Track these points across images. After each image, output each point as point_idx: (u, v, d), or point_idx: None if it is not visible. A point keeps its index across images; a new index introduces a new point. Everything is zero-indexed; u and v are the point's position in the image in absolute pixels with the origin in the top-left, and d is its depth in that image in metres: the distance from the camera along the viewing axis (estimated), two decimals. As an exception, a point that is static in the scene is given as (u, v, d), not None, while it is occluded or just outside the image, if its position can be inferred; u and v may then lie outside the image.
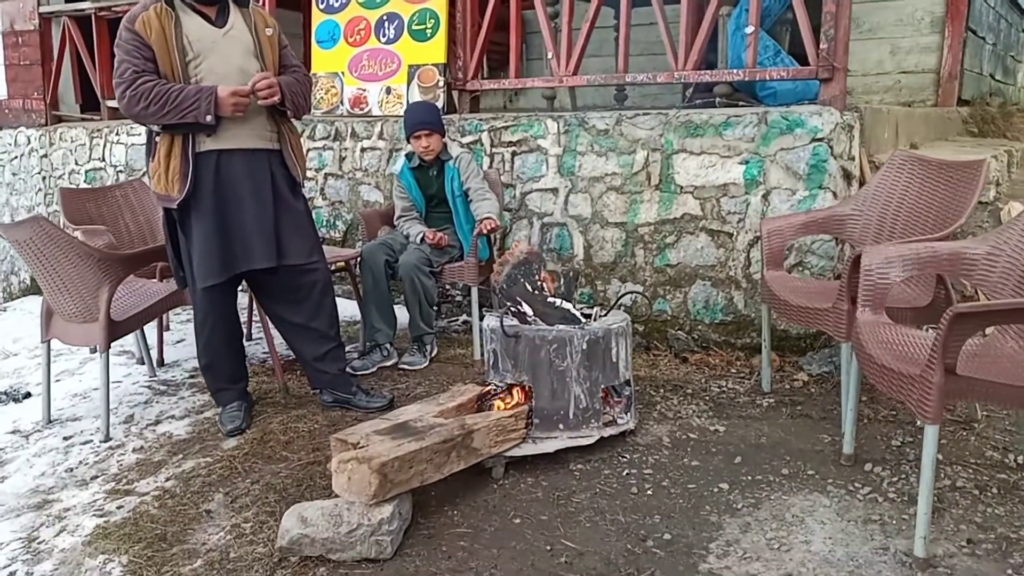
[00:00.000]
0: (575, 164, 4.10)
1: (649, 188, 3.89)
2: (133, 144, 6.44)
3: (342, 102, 5.21)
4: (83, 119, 7.50)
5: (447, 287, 4.58)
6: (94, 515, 2.51)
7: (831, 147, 3.48)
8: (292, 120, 3.01)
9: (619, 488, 2.50)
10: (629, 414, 2.82)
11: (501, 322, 2.63)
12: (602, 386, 2.70)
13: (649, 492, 2.48)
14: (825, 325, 2.68)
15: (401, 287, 3.64)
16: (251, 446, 2.89)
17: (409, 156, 3.85)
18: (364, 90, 5.09)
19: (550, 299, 2.87)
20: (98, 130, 6.78)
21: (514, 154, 4.31)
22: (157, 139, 2.82)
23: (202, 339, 3.02)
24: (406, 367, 3.63)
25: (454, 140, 4.45)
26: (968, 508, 2.33)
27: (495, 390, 2.70)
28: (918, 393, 2.01)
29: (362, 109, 5.10)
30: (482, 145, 4.43)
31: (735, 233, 3.68)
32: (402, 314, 3.78)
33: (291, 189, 2.99)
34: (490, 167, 4.32)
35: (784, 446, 2.77)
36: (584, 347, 2.64)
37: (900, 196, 3.01)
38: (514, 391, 2.67)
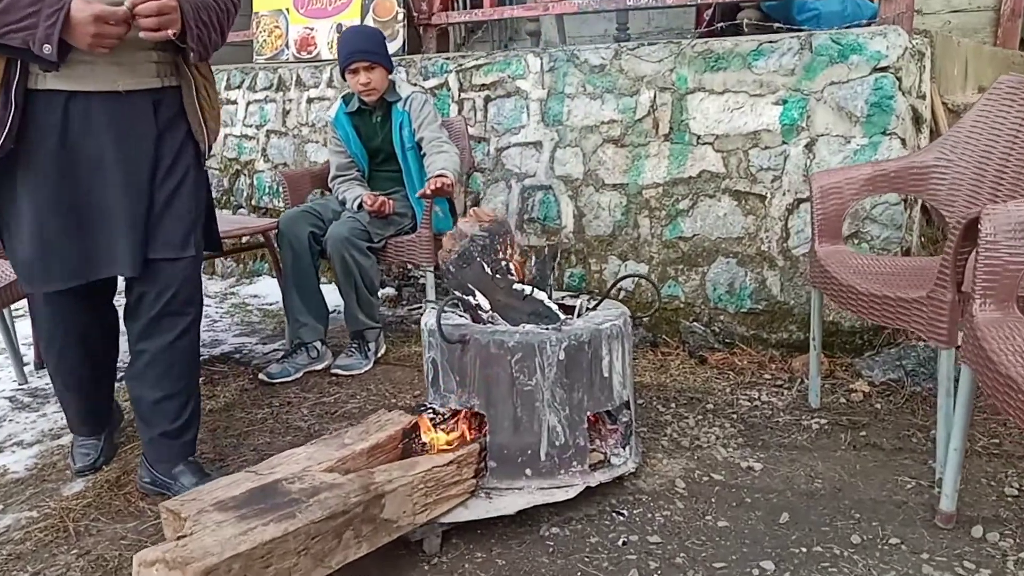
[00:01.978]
0: (563, 110, 3.23)
1: (657, 139, 3.03)
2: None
3: (287, 45, 4.35)
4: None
5: (409, 267, 3.75)
6: None
7: (898, 79, 2.61)
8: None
9: (612, 570, 1.68)
10: (628, 448, 1.98)
11: (438, 321, 1.79)
12: (588, 412, 1.87)
13: (656, 577, 1.65)
14: (914, 323, 1.84)
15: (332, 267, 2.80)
16: (99, 492, 2.07)
17: (347, 99, 3.00)
18: (312, 29, 4.23)
19: (517, 287, 2.03)
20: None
21: (487, 100, 3.45)
22: None
23: (51, 360, 2.10)
24: (340, 372, 2.80)
25: (414, 84, 3.59)
26: None
27: (431, 421, 1.87)
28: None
29: (310, 52, 4.24)
30: (448, 90, 3.57)
31: (769, 195, 2.82)
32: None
33: (181, 156, 1.94)
34: (458, 116, 3.46)
35: (849, 495, 1.94)
36: (561, 356, 1.80)
37: (1009, 140, 2.15)
38: (459, 422, 1.84)
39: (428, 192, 2.62)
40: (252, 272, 4.44)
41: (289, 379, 2.75)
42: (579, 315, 2.01)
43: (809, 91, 2.73)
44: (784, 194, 2.79)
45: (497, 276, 2.06)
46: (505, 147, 3.40)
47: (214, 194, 4.54)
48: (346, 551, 1.45)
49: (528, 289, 2.01)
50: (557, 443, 1.84)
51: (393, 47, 3.91)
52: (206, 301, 4.04)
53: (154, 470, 2.02)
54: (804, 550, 1.72)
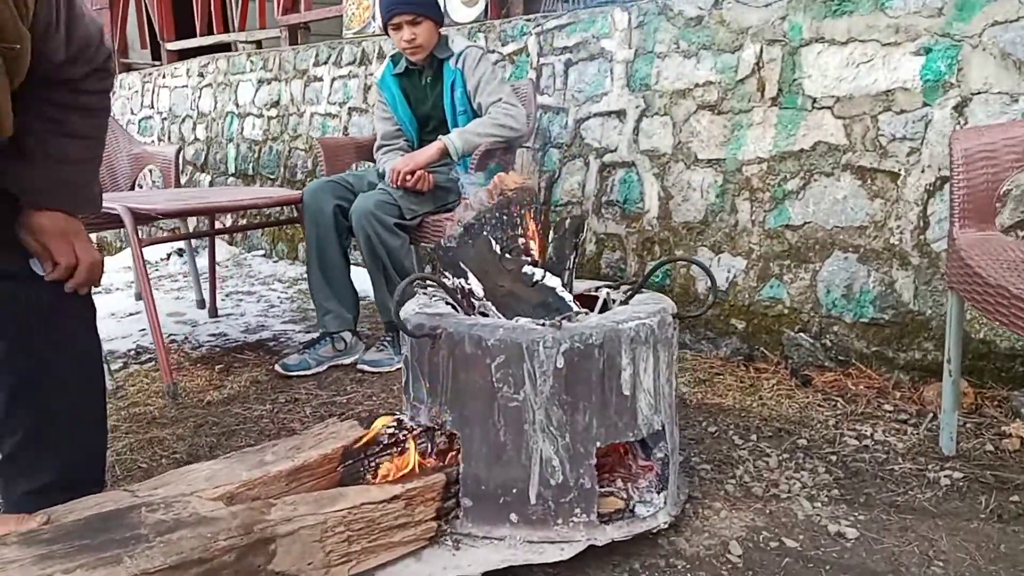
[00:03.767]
0: (651, 72, 2.72)
1: (762, 104, 2.46)
2: (176, 87, 5.65)
3: (374, 17, 4.07)
4: (153, 66, 6.89)
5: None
6: None
7: (1095, 14, 1.91)
8: None
9: (604, 670, 1.18)
10: (664, 494, 1.47)
11: (396, 304, 1.35)
12: (598, 444, 1.37)
13: None
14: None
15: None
16: None
17: (395, 59, 2.63)
18: (397, -3, 3.91)
19: (527, 269, 1.57)
20: (149, 75, 6.07)
21: (568, 64, 2.98)
22: None
23: None
24: (366, 368, 2.44)
25: (492, 51, 3.17)
26: None
27: (391, 436, 1.44)
28: None
29: (395, 22, 3.93)
30: (528, 55, 3.13)
31: (903, 172, 2.19)
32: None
33: None
34: (526, 80, 3.01)
35: (984, 589, 1.33)
36: (559, 363, 1.32)
37: None
38: (421, 442, 1.40)
39: (396, 179, 2.33)
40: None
41: (308, 372, 2.41)
42: (603, 310, 1.52)
43: (962, 35, 2.08)
44: (923, 171, 2.15)
45: (507, 256, 1.60)
46: (585, 118, 2.92)
47: (300, 176, 4.34)
48: (205, 615, 1.05)
49: (539, 274, 1.54)
50: (553, 482, 1.36)
51: (474, 13, 3.53)
52: (275, 287, 3.82)
53: None
54: (901, 673, 1.15)
